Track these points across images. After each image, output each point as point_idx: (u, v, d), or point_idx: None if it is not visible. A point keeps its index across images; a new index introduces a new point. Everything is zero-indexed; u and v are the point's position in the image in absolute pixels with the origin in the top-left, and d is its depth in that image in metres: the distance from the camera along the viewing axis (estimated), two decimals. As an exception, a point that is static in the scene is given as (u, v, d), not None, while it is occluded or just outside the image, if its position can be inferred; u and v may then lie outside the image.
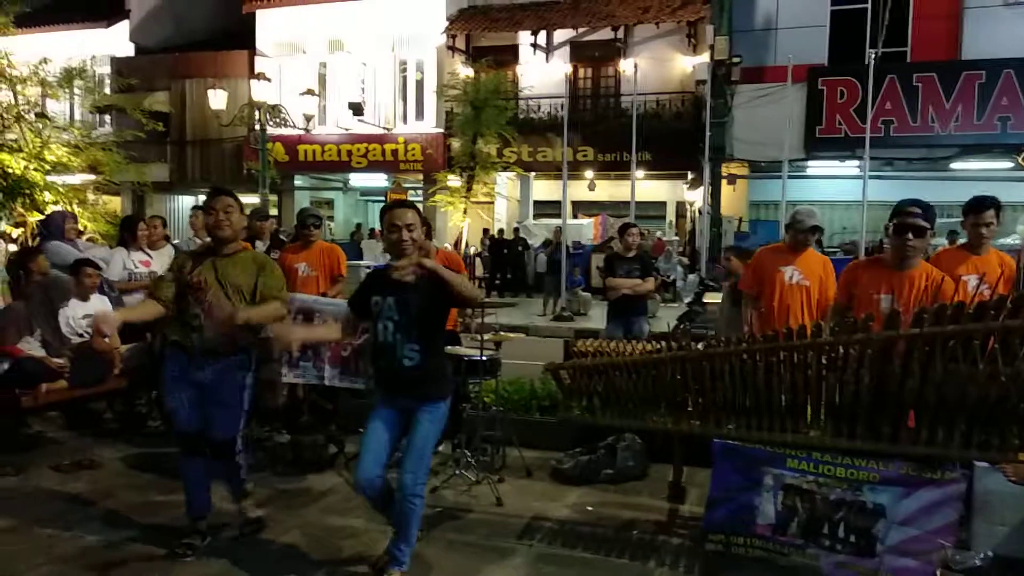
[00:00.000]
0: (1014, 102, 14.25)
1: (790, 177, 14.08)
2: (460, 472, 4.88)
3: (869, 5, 15.34)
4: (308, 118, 15.57)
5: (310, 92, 15.60)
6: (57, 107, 14.29)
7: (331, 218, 24.05)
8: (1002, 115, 14.38)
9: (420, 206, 17.76)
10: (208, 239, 4.08)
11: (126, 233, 6.52)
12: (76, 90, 13.47)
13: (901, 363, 3.18)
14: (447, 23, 19.01)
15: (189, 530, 3.97)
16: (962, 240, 4.83)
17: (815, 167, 16.24)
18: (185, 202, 22.35)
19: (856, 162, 14.30)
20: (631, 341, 4.31)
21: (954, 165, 15.16)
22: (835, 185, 16.16)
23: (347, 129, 19.45)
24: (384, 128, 19.60)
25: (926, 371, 3.12)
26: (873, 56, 13.40)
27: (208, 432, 3.86)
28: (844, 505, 3.53)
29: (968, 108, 14.55)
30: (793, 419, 3.55)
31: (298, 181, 21.77)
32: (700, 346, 3.82)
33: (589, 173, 18.96)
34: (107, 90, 18.55)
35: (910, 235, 3.75)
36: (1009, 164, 14.62)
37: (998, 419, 3.14)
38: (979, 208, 4.54)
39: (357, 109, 18.60)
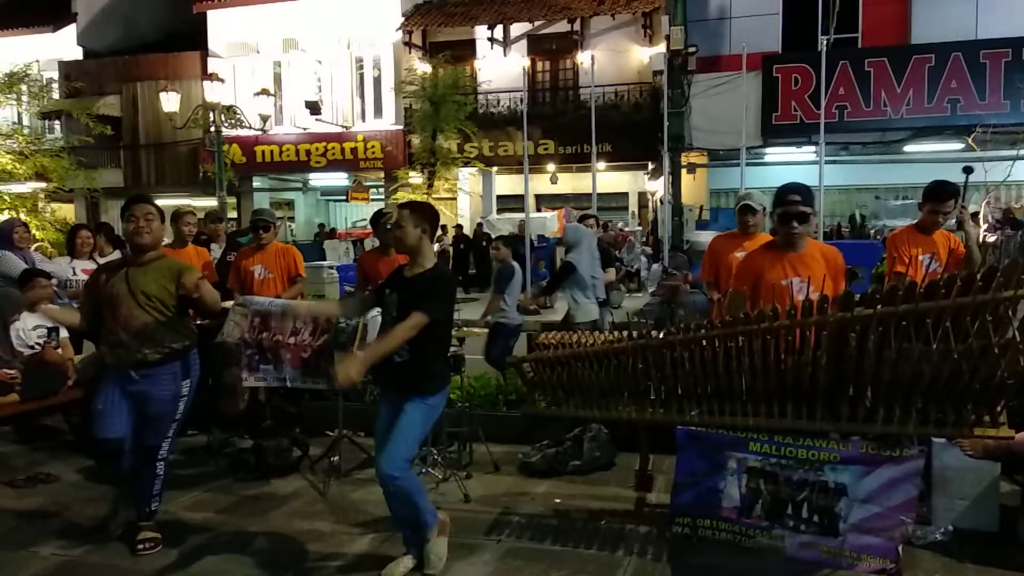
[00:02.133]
0: (963, 84, 14.53)
1: (748, 164, 14.23)
2: (427, 470, 4.85)
3: (820, -8, 15.56)
4: (264, 118, 15.37)
5: (265, 92, 15.38)
6: (2, 114, 13.89)
7: (292, 219, 23.77)
8: (952, 97, 14.66)
9: (382, 204, 17.68)
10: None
11: (71, 242, 6.44)
12: (23, 96, 13.11)
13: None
14: (403, 19, 18.87)
15: (136, 530, 3.93)
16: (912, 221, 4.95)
17: (772, 154, 16.43)
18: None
19: (812, 148, 14.50)
20: (593, 332, 4.31)
21: (907, 148, 15.43)
22: (792, 171, 16.30)
23: (305, 129, 19.24)
24: (342, 126, 19.41)
25: (881, 351, 3.15)
26: (825, 42, 13.58)
27: (135, 439, 3.79)
28: (807, 485, 3.58)
29: (919, 91, 14.81)
30: (754, 403, 3.57)
31: (257, 182, 21.48)
32: (660, 334, 3.82)
33: (551, 166, 18.98)
34: (56, 95, 18.10)
35: (795, 223, 3.78)
36: (959, 145, 14.92)
37: (953, 396, 3.18)
38: (940, 197, 4.63)
39: (314, 108, 18.40)
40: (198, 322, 5.56)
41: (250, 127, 15.82)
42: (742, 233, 5.00)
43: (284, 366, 4.83)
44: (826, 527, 3.55)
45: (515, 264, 6.86)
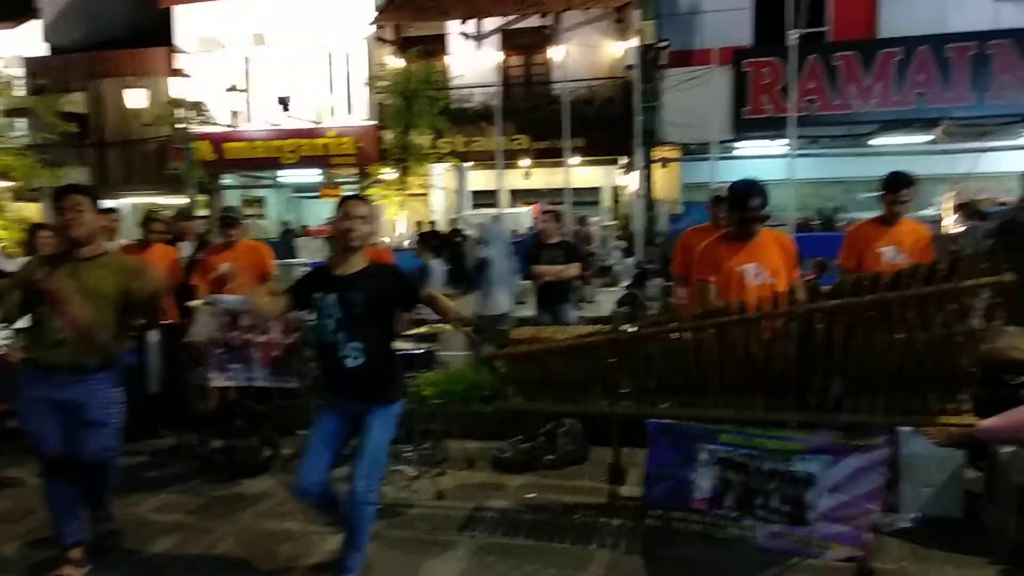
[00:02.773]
0: (930, 77, 14.72)
1: (720, 158, 14.32)
2: (400, 468, 4.82)
3: (790, -14, 15.67)
4: (234, 114, 15.19)
5: (234, 88, 15.20)
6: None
7: (263, 216, 23.51)
8: (920, 90, 14.84)
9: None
10: None
11: (30, 241, 6.31)
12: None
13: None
14: (375, 14, 18.72)
15: (60, 562, 3.62)
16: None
17: (743, 148, 16.53)
18: (107, 206, 21.53)
19: (783, 141, 14.60)
20: (562, 327, 4.31)
21: (875, 141, 15.61)
22: (763, 165, 16.44)
23: (275, 125, 19.01)
24: (314, 122, 19.22)
25: (848, 341, 3.19)
26: (794, 37, 13.70)
27: (79, 454, 3.55)
28: (776, 476, 3.61)
29: (886, 85, 14.98)
30: (724, 395, 3.60)
31: (227, 179, 21.19)
32: (632, 328, 3.83)
33: (525, 161, 18.96)
34: (20, 92, 17.73)
35: (756, 224, 3.91)
36: (927, 137, 15.13)
37: (918, 385, 3.23)
38: (895, 187, 4.71)
39: (285, 104, 18.20)
40: (167, 321, 5.53)
41: (219, 124, 15.61)
42: (715, 227, 5.02)
43: (254, 365, 4.79)
44: (795, 517, 3.58)
45: (434, 263, 7.32)
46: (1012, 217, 5.78)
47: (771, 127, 15.28)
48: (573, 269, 6.73)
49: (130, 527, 4.06)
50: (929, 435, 3.86)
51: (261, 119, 19.25)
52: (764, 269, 3.88)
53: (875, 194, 4.92)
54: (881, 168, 5.09)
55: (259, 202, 23.64)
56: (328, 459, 3.41)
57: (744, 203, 3.88)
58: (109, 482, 3.76)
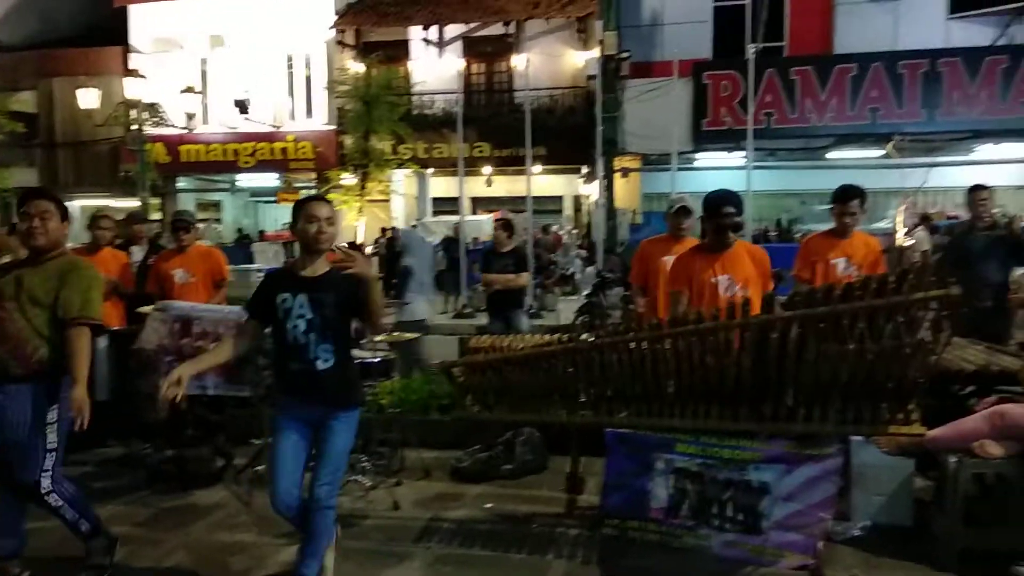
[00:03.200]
0: (884, 93, 15.10)
1: (680, 169, 14.48)
2: (356, 478, 4.74)
3: (748, 1, 15.96)
4: (189, 117, 14.93)
5: (190, 90, 14.96)
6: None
7: (219, 220, 23.14)
8: (873, 106, 15.22)
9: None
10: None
11: None
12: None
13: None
14: (336, 17, 18.59)
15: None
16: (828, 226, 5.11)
17: (703, 159, 16.77)
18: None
19: (741, 153, 14.84)
20: (517, 335, 4.31)
21: (830, 154, 15.96)
22: (722, 176, 16.63)
23: (233, 128, 18.76)
24: (272, 126, 19.00)
25: (801, 352, 3.23)
26: (753, 51, 13.95)
27: (6, 466, 3.33)
28: (731, 485, 3.64)
29: (842, 100, 15.32)
30: (681, 404, 3.62)
31: (182, 183, 20.84)
32: (590, 337, 3.84)
33: (487, 169, 18.97)
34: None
35: (730, 233, 4.00)
36: (880, 152, 15.50)
37: (869, 394, 3.28)
38: (845, 198, 4.82)
39: (243, 107, 17.95)
40: (114, 328, 5.38)
41: (174, 126, 15.32)
42: (673, 237, 5.05)
43: (206, 374, 4.67)
44: (750, 525, 3.61)
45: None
46: (960, 232, 5.94)
47: (730, 139, 15.53)
48: (521, 278, 6.68)
49: (75, 539, 3.92)
50: (879, 444, 3.92)
51: (218, 122, 18.96)
52: (736, 281, 3.97)
53: (828, 206, 5.01)
54: (836, 181, 5.19)
55: (215, 206, 23.29)
56: (300, 470, 3.32)
57: (718, 210, 3.96)
58: (53, 501, 3.42)
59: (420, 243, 7.59)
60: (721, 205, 3.96)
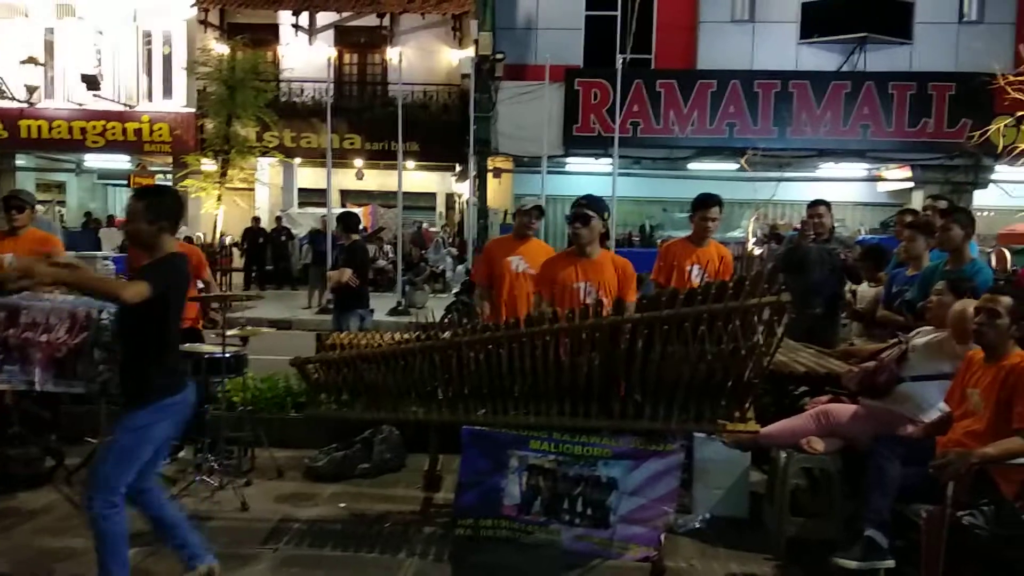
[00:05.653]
0: (739, 110, 15.97)
1: (550, 172, 14.75)
2: (201, 478, 4.53)
3: (619, 13, 16.47)
4: (31, 90, 13.75)
5: (33, 61, 13.78)
6: None
7: (62, 203, 21.48)
8: (730, 121, 16.06)
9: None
10: None
11: None
12: None
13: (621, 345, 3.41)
14: (198, -5, 17.64)
15: None
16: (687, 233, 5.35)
17: (573, 163, 17.15)
18: None
19: (608, 159, 15.31)
20: (368, 332, 4.26)
21: (691, 165, 16.72)
22: (591, 181, 17.12)
23: (81, 104, 17.39)
24: (125, 105, 17.77)
25: (648, 352, 3.36)
26: (621, 61, 14.37)
27: None
28: (582, 481, 3.72)
29: (702, 114, 16.08)
30: (535, 402, 3.68)
31: (20, 161, 19.17)
32: (447, 335, 3.83)
33: (358, 161, 18.60)
34: None
35: (578, 223, 4.21)
36: (735, 165, 16.41)
37: (710, 393, 3.46)
38: (705, 205, 5.06)
39: (92, 83, 16.67)
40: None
41: (13, 98, 14.05)
42: (519, 237, 5.14)
43: (33, 367, 4.31)
44: (598, 519, 3.71)
45: None
46: (794, 242, 6.36)
47: (599, 145, 15.97)
48: (344, 275, 6.57)
49: None
50: (724, 436, 4.14)
51: (64, 97, 17.55)
52: (596, 288, 4.14)
53: (688, 214, 5.23)
54: (696, 190, 5.45)
55: (59, 187, 21.57)
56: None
57: (575, 202, 4.19)
58: None
59: None
60: (578, 200, 4.23)
